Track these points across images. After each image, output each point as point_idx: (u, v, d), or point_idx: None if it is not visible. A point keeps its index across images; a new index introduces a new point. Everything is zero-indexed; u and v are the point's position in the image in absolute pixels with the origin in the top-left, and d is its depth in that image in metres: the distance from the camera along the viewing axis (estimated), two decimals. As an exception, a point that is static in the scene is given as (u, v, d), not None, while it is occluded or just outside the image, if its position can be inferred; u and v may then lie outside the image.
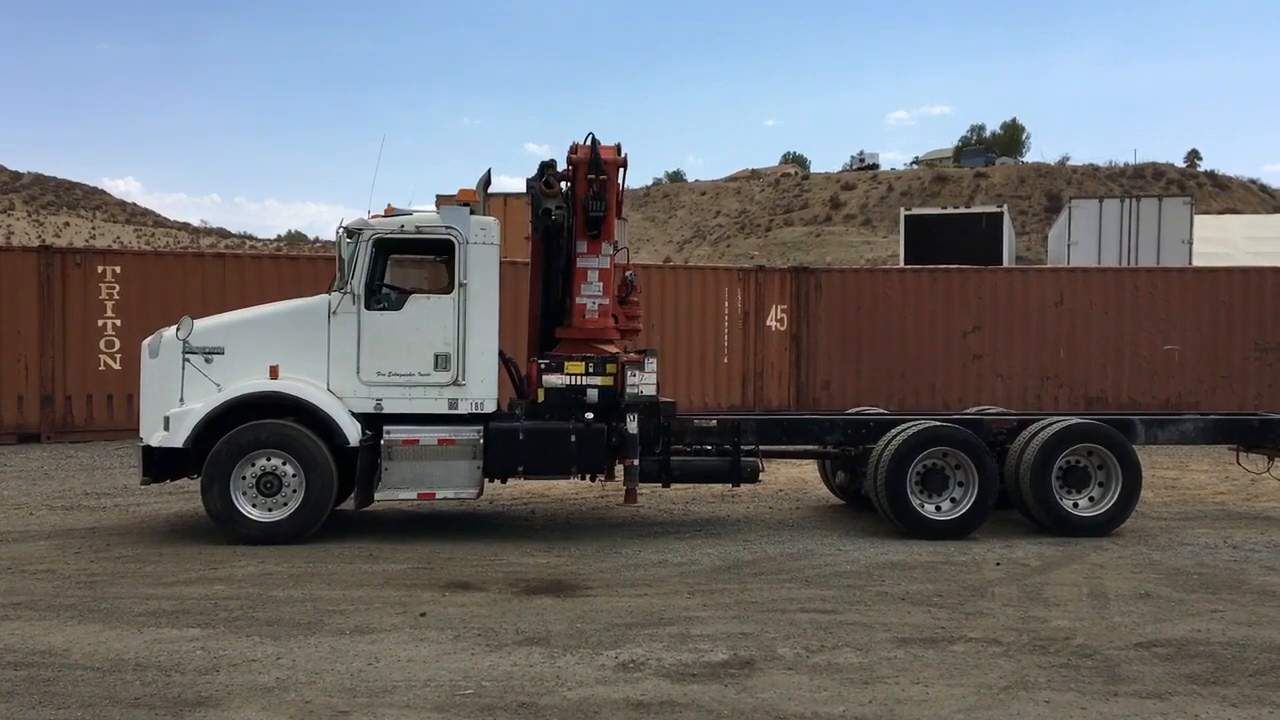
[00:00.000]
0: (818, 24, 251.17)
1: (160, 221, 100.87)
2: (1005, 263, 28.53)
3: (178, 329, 9.60)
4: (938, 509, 10.09)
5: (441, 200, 30.85)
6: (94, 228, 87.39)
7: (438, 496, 9.77)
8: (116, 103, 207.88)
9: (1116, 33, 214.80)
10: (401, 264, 10.10)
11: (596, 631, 6.91)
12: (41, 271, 16.88)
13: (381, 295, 9.88)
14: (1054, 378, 20.52)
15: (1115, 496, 10.24)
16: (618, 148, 10.47)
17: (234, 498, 9.42)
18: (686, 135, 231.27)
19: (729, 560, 9.16)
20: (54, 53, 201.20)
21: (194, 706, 5.55)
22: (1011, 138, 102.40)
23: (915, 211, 33.24)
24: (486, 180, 10.45)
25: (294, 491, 9.45)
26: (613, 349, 10.37)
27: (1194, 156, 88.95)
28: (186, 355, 9.64)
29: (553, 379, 9.98)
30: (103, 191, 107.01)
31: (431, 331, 9.71)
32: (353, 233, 9.72)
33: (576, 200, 10.20)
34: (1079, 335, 20.54)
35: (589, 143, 10.26)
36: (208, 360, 9.64)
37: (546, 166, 10.21)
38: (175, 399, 9.59)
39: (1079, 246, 27.69)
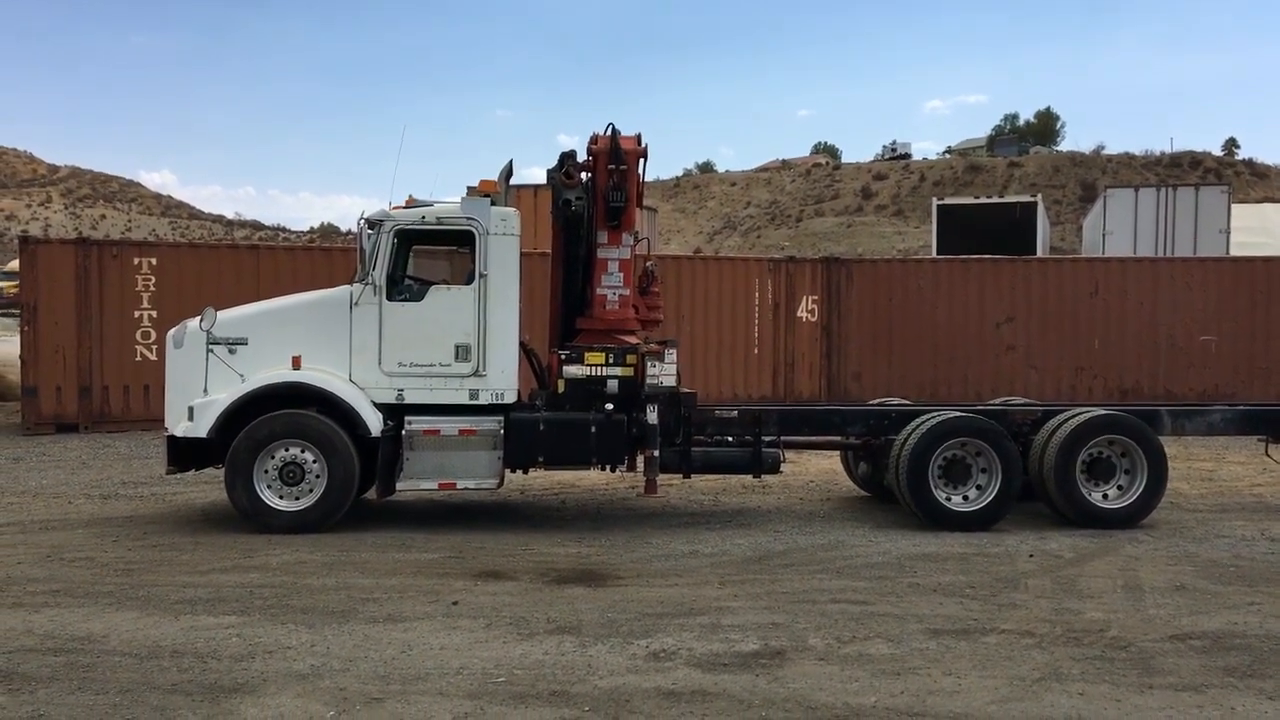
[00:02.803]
0: (855, 13, 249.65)
1: (194, 214, 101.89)
2: (1039, 253, 28.26)
3: (201, 320, 9.70)
4: (962, 499, 10.04)
5: (472, 192, 31.04)
6: (130, 220, 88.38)
7: (459, 487, 9.82)
8: (152, 96, 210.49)
9: (1153, 21, 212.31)
10: (424, 255, 10.13)
11: (628, 621, 6.92)
12: (79, 263, 17.09)
13: (403, 286, 9.92)
14: (1088, 369, 20.31)
15: (1141, 488, 10.14)
16: (638, 138, 10.45)
17: (257, 487, 9.52)
18: (718, 126, 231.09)
19: (760, 551, 9.15)
20: (90, 47, 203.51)
21: (230, 693, 5.61)
22: (1046, 126, 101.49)
23: (948, 201, 32.97)
24: (509, 171, 10.47)
25: (316, 478, 9.54)
26: (633, 340, 10.37)
27: (1232, 145, 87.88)
28: (210, 346, 9.75)
29: (573, 370, 9.99)
30: (139, 184, 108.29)
31: (452, 322, 9.74)
32: (374, 224, 9.78)
33: (597, 191, 10.18)
34: (1114, 326, 20.31)
35: (609, 133, 10.25)
36: (231, 351, 9.74)
37: (566, 157, 10.21)
38: (200, 389, 9.69)
39: (1114, 236, 27.35)
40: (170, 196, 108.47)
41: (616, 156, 10.10)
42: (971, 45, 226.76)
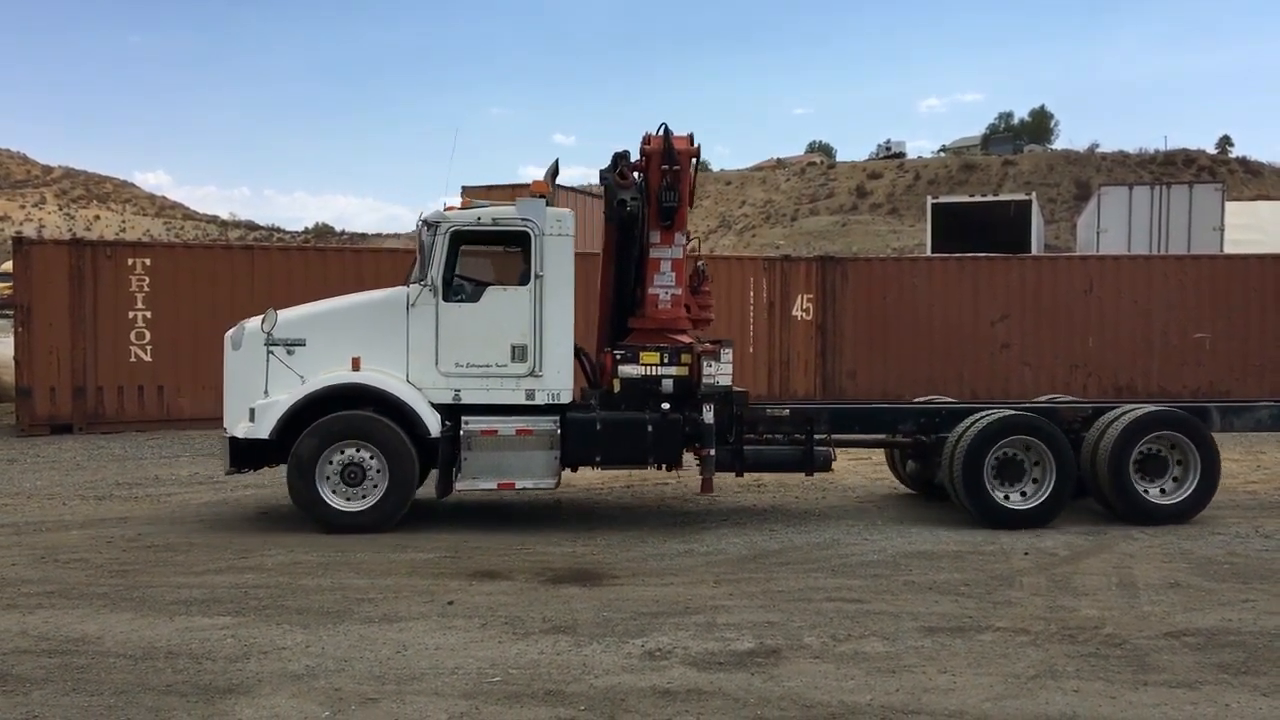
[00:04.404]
0: (851, 12, 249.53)
1: (189, 214, 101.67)
2: (1034, 251, 28.29)
3: (263, 321, 9.73)
4: (1020, 496, 10.05)
5: (468, 192, 30.97)
6: (124, 221, 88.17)
7: (517, 487, 9.83)
8: (147, 96, 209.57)
9: (1148, 20, 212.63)
10: (468, 255, 10.15)
11: (623, 620, 6.92)
12: (73, 264, 17.06)
13: (459, 287, 9.92)
14: (1083, 366, 20.34)
15: (1194, 484, 10.15)
16: (690, 137, 10.47)
17: (319, 488, 9.54)
18: (714, 125, 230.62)
19: (755, 549, 9.15)
20: (84, 47, 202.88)
21: (225, 693, 5.61)
22: (1040, 125, 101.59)
23: (943, 200, 33.02)
24: (554, 171, 10.47)
25: (378, 475, 9.58)
26: (685, 339, 10.41)
27: (1226, 143, 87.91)
28: (270, 347, 9.76)
29: (628, 369, 10.04)
30: (133, 185, 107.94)
31: (508, 323, 9.77)
32: (431, 225, 9.78)
33: (650, 190, 10.20)
34: (1108, 323, 20.33)
35: (662, 133, 10.26)
36: (289, 352, 9.78)
37: (620, 157, 10.22)
38: (260, 390, 9.72)
39: (1108, 234, 27.41)
40: (165, 197, 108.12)
41: (670, 156, 10.12)
42: (967, 44, 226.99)
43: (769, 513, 10.90)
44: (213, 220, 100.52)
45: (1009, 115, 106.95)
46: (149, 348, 17.41)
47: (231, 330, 10.12)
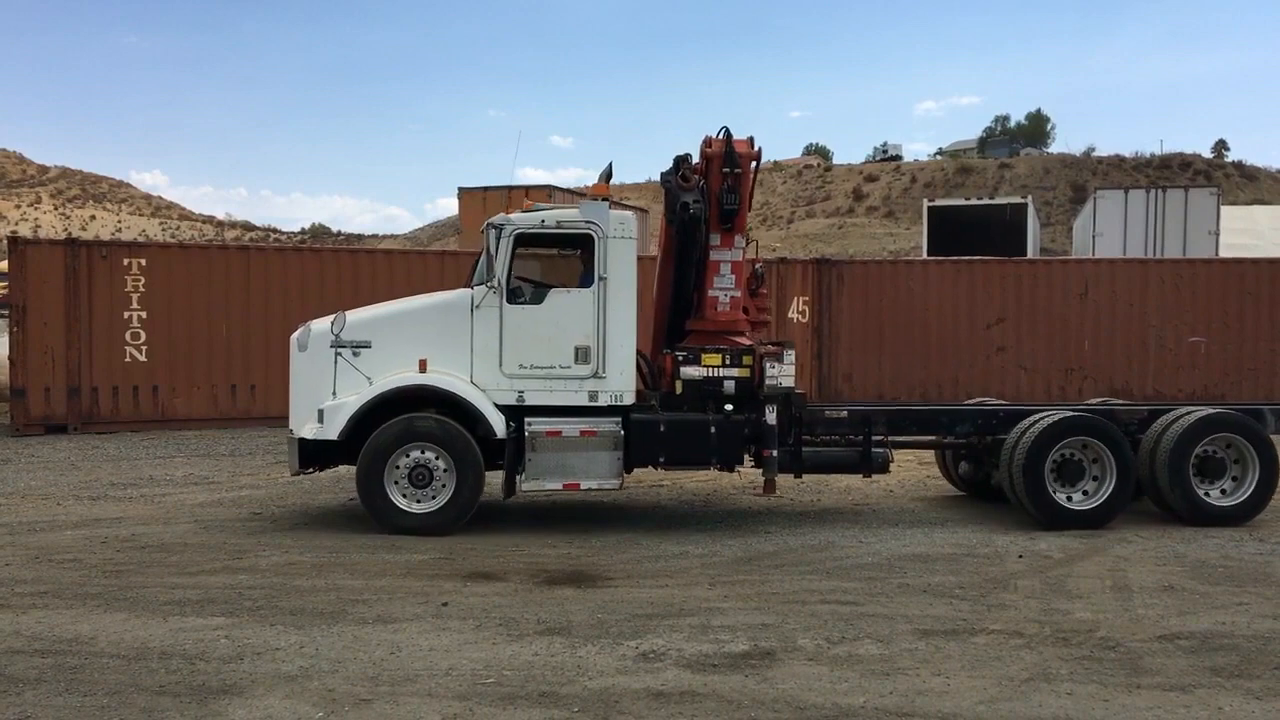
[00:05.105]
0: (847, 14, 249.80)
1: (185, 214, 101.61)
2: (1029, 254, 28.34)
3: (332, 323, 9.76)
4: (1080, 496, 10.09)
5: (464, 192, 31.03)
6: (120, 221, 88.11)
7: (582, 487, 9.86)
8: (143, 96, 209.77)
9: (1144, 24, 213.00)
10: (524, 257, 10.18)
11: (617, 622, 6.92)
12: (68, 264, 17.05)
13: (522, 289, 9.96)
14: (1078, 369, 20.37)
15: (1252, 486, 10.20)
16: (750, 140, 10.51)
17: (388, 489, 9.56)
18: (709, 127, 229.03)
19: (750, 551, 9.16)
20: (81, 46, 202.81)
21: (218, 694, 5.60)
22: (1036, 128, 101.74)
23: (939, 203, 33.11)
24: (608, 173, 10.49)
25: (445, 476, 9.60)
26: (744, 341, 10.44)
27: (1221, 147, 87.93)
28: (337, 349, 9.79)
29: (690, 370, 10.08)
30: (129, 185, 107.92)
31: (572, 325, 9.80)
32: (496, 228, 9.81)
33: (710, 193, 10.23)
34: (1104, 327, 20.37)
35: (723, 136, 10.31)
36: (355, 354, 9.81)
37: (681, 161, 10.24)
38: (328, 392, 9.74)
39: (1104, 238, 27.45)
40: (160, 197, 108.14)
41: (731, 160, 10.18)
42: (963, 47, 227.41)
43: (764, 515, 10.90)
44: (209, 220, 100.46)
45: (1005, 118, 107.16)
46: (144, 348, 17.41)
47: (297, 332, 10.17)
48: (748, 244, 10.74)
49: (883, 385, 19.70)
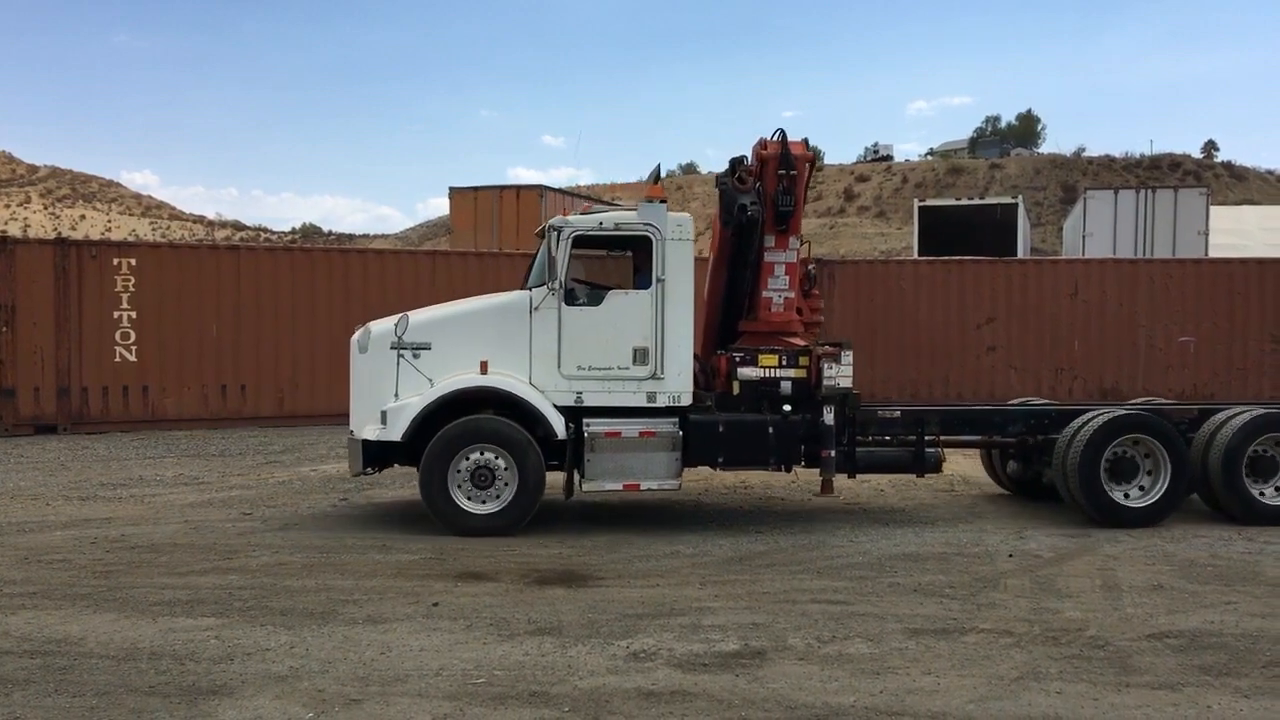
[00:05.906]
0: (839, 14, 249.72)
1: (175, 214, 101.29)
2: (1020, 254, 28.43)
3: (395, 325, 9.78)
4: (1137, 492, 10.14)
5: (454, 192, 30.98)
6: (110, 221, 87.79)
7: (642, 488, 9.89)
8: (134, 95, 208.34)
9: (1135, 24, 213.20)
10: (576, 259, 10.19)
11: (608, 621, 6.92)
12: (57, 264, 17.01)
13: (580, 291, 9.98)
14: (1068, 369, 20.44)
15: None
16: (804, 142, 10.54)
17: (451, 490, 9.56)
18: (702, 126, 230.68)
19: (741, 551, 9.16)
20: (70, 45, 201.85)
21: (208, 695, 5.59)
22: (1027, 129, 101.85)
23: (930, 203, 33.15)
24: (657, 174, 10.50)
25: (507, 475, 9.61)
26: (798, 341, 10.46)
27: (1211, 147, 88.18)
28: (399, 351, 9.79)
29: (747, 371, 10.12)
30: (119, 185, 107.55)
31: (630, 326, 9.83)
32: (555, 229, 9.82)
33: (765, 195, 10.23)
34: (1093, 327, 20.45)
35: (778, 139, 10.32)
36: (415, 355, 9.82)
37: (737, 163, 10.26)
38: (390, 394, 9.75)
39: (1094, 238, 27.55)
40: (151, 197, 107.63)
41: (786, 162, 10.20)
42: (955, 47, 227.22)
43: (755, 514, 10.92)
44: (199, 220, 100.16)
45: (996, 119, 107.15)
46: (134, 348, 17.37)
47: (357, 334, 10.19)
48: (801, 244, 10.76)
49: (874, 385, 19.69)
